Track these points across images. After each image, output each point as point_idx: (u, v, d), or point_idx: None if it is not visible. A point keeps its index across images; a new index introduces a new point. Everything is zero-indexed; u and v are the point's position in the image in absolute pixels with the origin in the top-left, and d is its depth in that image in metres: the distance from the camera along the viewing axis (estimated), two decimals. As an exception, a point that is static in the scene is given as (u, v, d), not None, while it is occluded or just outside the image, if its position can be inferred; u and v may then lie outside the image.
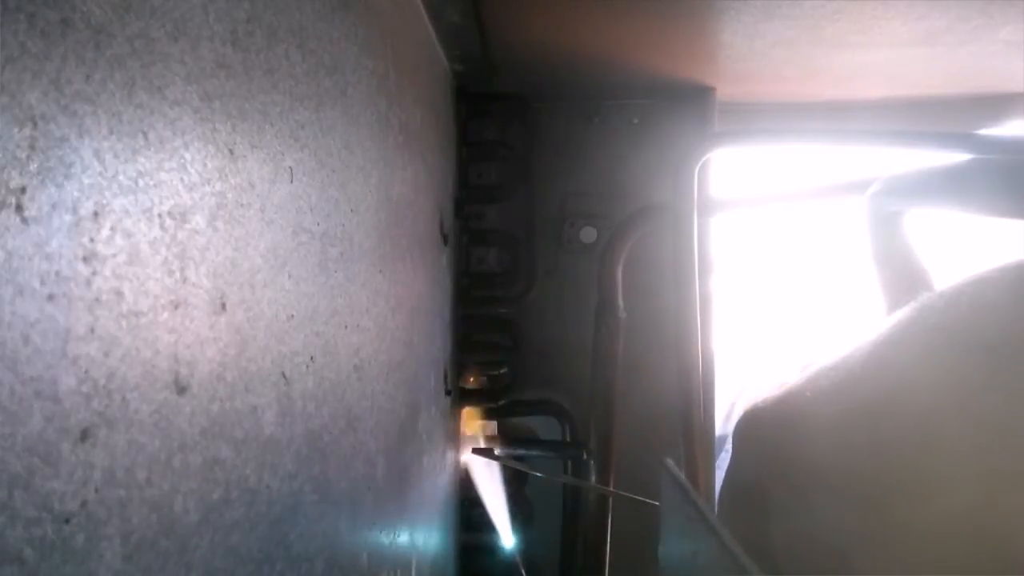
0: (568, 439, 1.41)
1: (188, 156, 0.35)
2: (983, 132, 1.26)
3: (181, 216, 0.34)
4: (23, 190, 0.24)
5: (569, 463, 1.39)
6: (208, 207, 0.37)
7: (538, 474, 1.33)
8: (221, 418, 0.39)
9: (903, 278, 0.82)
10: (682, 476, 0.35)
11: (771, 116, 1.46)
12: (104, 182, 0.29)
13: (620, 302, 1.26)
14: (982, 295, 0.28)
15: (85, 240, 0.28)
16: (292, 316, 0.48)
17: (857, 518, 0.26)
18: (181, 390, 0.35)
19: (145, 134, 0.32)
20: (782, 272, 1.53)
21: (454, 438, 1.27)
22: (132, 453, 0.31)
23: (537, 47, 1.14)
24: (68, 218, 0.27)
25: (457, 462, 1.29)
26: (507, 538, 1.33)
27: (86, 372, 0.28)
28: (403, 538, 0.84)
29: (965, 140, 0.83)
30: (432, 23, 1.01)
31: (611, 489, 1.26)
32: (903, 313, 0.31)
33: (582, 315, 1.37)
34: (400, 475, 0.82)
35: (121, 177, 0.30)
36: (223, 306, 0.39)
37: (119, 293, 0.30)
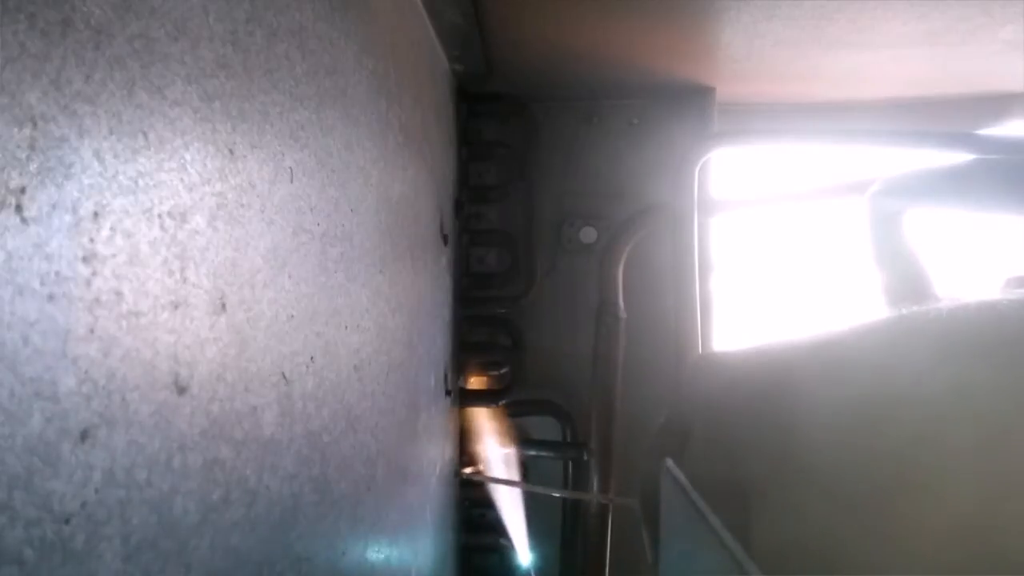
0: (568, 439, 1.41)
1: (188, 156, 0.35)
2: (983, 132, 1.26)
3: (181, 216, 0.34)
4: (23, 190, 0.24)
5: (569, 463, 1.39)
6: (208, 207, 0.37)
7: (547, 491, 1.32)
8: (221, 418, 0.39)
9: (903, 278, 0.82)
10: (682, 476, 0.35)
11: (771, 116, 1.46)
12: (104, 182, 0.29)
13: (620, 302, 1.27)
14: (987, 302, 0.28)
15: (85, 240, 0.28)
16: (292, 316, 0.48)
17: (844, 514, 0.26)
18: (181, 390, 0.35)
19: (145, 134, 0.32)
20: (782, 271, 1.53)
21: (454, 438, 1.27)
22: (132, 453, 0.31)
23: (537, 47, 1.14)
24: (68, 218, 0.27)
25: (457, 462, 1.29)
26: (506, 538, 1.33)
27: (86, 372, 0.28)
28: (403, 538, 0.84)
29: (965, 140, 0.83)
30: (432, 23, 1.01)
31: (610, 497, 1.25)
32: (902, 315, 0.31)
33: (582, 315, 1.37)
34: (400, 475, 0.82)
35: (121, 177, 0.30)
36: (223, 306, 0.39)
37: (119, 293, 0.30)
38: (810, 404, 0.30)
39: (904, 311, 0.31)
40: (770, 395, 0.33)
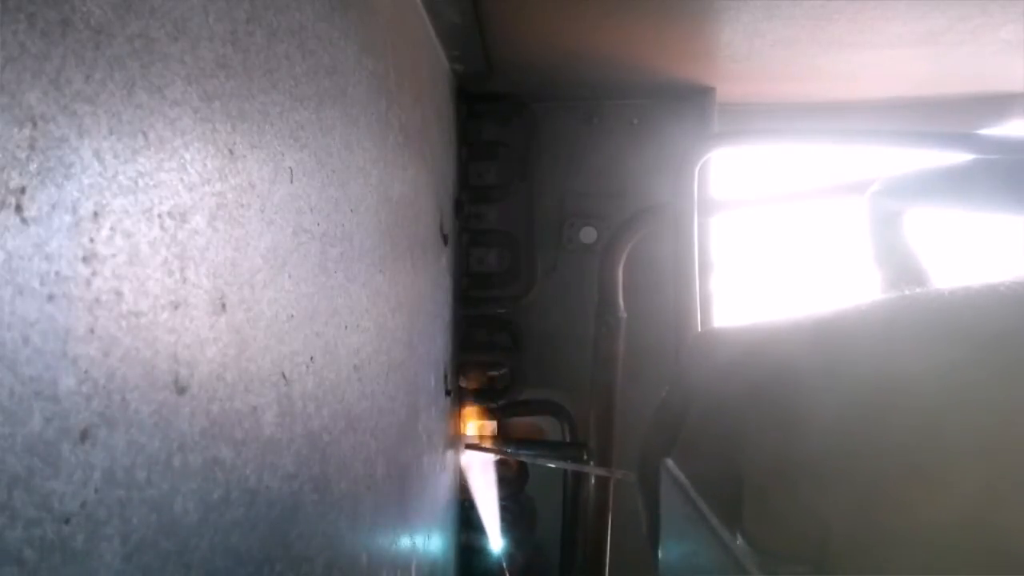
0: (568, 439, 1.41)
1: (188, 156, 0.35)
2: (983, 132, 1.26)
3: (181, 216, 0.34)
4: (23, 190, 0.24)
5: (569, 463, 1.39)
6: (208, 207, 0.37)
7: (547, 463, 1.33)
8: (221, 418, 0.39)
9: (903, 278, 0.82)
10: (682, 476, 0.35)
11: (771, 116, 1.46)
12: (104, 182, 0.29)
13: (620, 302, 1.26)
14: (990, 294, 0.28)
15: (85, 240, 0.28)
16: (292, 316, 0.48)
17: (839, 503, 0.26)
18: (181, 390, 0.35)
19: (145, 134, 0.32)
20: (782, 271, 1.53)
21: (454, 438, 1.27)
22: (132, 453, 0.31)
23: (537, 47, 1.14)
24: (68, 218, 0.27)
25: (457, 462, 1.29)
26: (507, 539, 1.33)
27: (86, 372, 0.28)
28: (403, 538, 0.84)
29: (965, 140, 0.83)
30: (432, 23, 1.01)
31: (611, 470, 1.26)
32: (903, 302, 0.31)
33: (582, 315, 1.37)
34: (400, 475, 0.82)
35: (121, 177, 0.30)
36: (223, 306, 0.39)
37: (119, 293, 0.30)
38: (807, 388, 0.30)
39: (906, 291, 0.31)
40: (767, 375, 0.33)
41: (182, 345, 0.35)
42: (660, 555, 0.40)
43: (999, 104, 1.36)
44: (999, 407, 0.23)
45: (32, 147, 0.25)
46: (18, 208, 0.24)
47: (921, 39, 1.05)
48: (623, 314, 1.27)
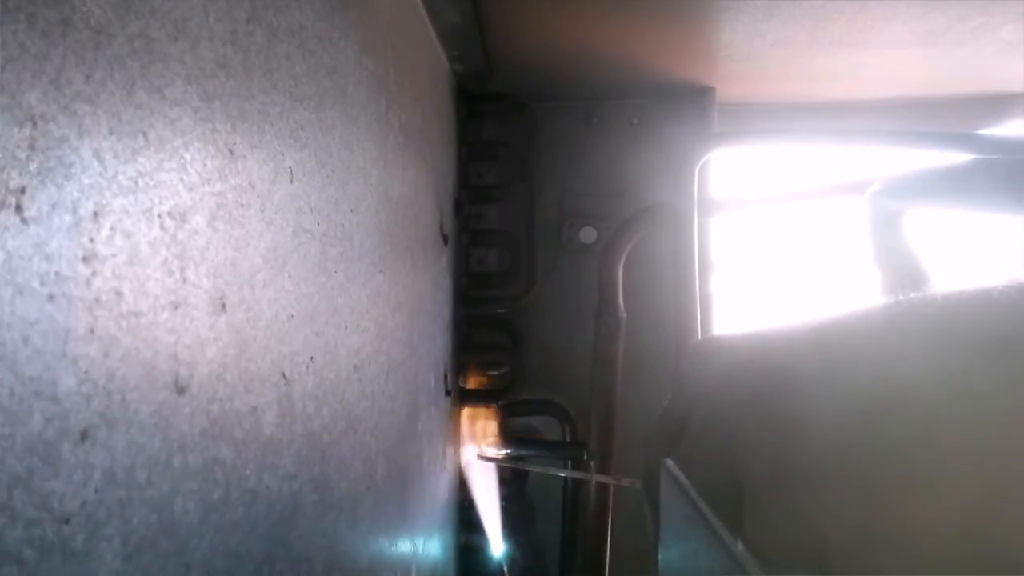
0: (568, 439, 1.41)
1: (188, 156, 0.35)
2: (983, 132, 1.26)
3: (181, 216, 0.34)
4: (23, 190, 0.24)
5: (569, 463, 1.39)
6: (208, 207, 0.37)
7: (548, 470, 1.34)
8: (221, 418, 0.39)
9: (903, 278, 0.82)
10: (682, 476, 0.35)
11: (771, 116, 1.46)
12: (104, 182, 0.29)
13: (620, 302, 1.26)
14: (984, 298, 0.28)
15: (85, 240, 0.28)
16: (292, 316, 0.48)
17: (839, 506, 0.26)
18: (181, 390, 0.35)
19: (145, 134, 0.32)
20: (782, 271, 1.53)
21: (454, 438, 1.27)
22: (132, 453, 0.31)
23: (537, 47, 1.14)
24: (68, 218, 0.27)
25: (457, 462, 1.29)
26: (507, 539, 1.33)
27: (86, 372, 0.28)
28: (403, 539, 0.84)
29: (965, 140, 0.83)
30: (432, 23, 1.01)
31: (610, 477, 1.26)
32: (898, 308, 0.31)
33: (582, 315, 1.37)
34: (400, 476, 0.82)
35: (121, 177, 0.30)
36: (223, 306, 0.39)
37: (119, 293, 0.30)
38: (805, 395, 0.30)
39: (901, 297, 0.31)
40: (766, 382, 0.33)
41: (182, 345, 0.35)
42: (660, 555, 0.40)
43: (999, 104, 1.36)
44: (994, 413, 0.23)
45: (32, 147, 0.25)
46: (18, 208, 0.24)
47: (921, 39, 1.05)
48: (623, 314, 1.27)
